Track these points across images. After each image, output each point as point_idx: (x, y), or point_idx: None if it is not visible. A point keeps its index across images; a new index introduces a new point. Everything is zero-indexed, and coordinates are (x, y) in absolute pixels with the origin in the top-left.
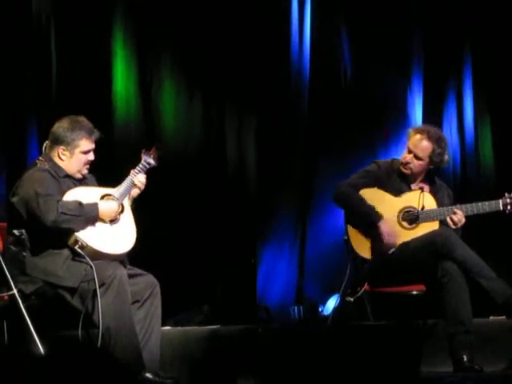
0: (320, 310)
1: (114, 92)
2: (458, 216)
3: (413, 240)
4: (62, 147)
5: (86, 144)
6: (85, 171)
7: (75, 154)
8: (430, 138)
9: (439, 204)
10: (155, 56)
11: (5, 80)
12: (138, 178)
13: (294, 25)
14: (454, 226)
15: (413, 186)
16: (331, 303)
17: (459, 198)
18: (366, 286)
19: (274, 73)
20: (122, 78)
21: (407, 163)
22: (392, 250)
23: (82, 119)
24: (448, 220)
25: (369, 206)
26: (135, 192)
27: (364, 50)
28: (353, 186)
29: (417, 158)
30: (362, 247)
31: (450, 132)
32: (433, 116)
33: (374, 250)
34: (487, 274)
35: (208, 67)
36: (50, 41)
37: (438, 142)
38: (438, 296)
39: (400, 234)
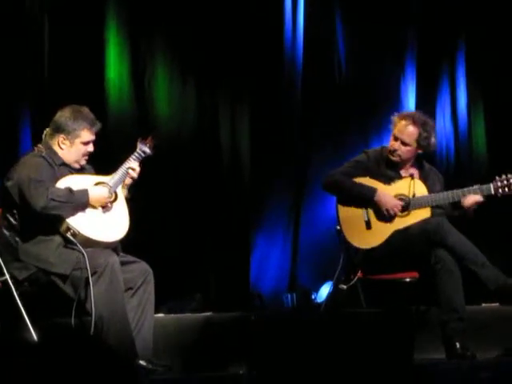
0: (313, 297)
1: (107, 79)
2: (475, 197)
3: (406, 228)
4: (62, 136)
5: (87, 135)
6: (83, 162)
7: (75, 143)
8: (415, 123)
9: (430, 190)
10: (148, 43)
11: None
12: (131, 167)
13: (288, 13)
14: (469, 207)
15: (402, 173)
16: (324, 290)
17: (452, 185)
18: (359, 274)
19: (267, 60)
20: (115, 66)
21: (395, 150)
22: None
23: (85, 110)
24: (464, 203)
25: (362, 186)
26: (128, 180)
27: (357, 38)
28: (345, 173)
29: (404, 144)
30: (355, 237)
31: (444, 119)
32: (426, 104)
33: (371, 234)
34: (480, 261)
35: (201, 54)
36: (43, 28)
37: (424, 126)
38: (431, 283)
39: (392, 222)
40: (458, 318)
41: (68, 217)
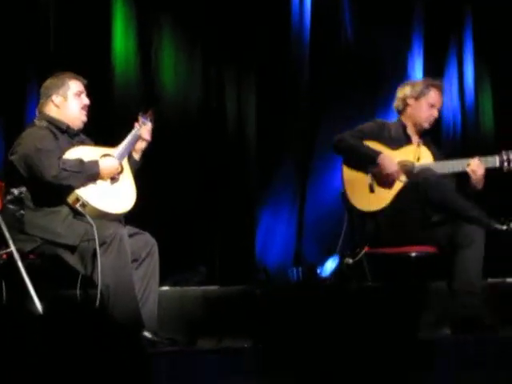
0: (318, 271)
1: (114, 51)
2: (478, 165)
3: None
4: (53, 96)
5: (76, 85)
6: (84, 118)
7: (68, 96)
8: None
9: (436, 158)
10: (155, 15)
11: (2, 41)
12: (142, 129)
13: None
14: (474, 177)
15: (413, 139)
16: (329, 265)
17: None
18: (366, 248)
19: (274, 33)
20: (122, 38)
21: (435, 119)
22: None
23: (67, 72)
24: (469, 171)
25: (367, 147)
26: (142, 144)
27: (364, 12)
28: (354, 135)
29: (438, 110)
30: (358, 199)
31: (451, 94)
32: (433, 78)
33: (370, 199)
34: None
35: (208, 26)
36: (49, 0)
37: None
38: (445, 257)
39: (393, 187)
40: (472, 291)
41: (78, 187)
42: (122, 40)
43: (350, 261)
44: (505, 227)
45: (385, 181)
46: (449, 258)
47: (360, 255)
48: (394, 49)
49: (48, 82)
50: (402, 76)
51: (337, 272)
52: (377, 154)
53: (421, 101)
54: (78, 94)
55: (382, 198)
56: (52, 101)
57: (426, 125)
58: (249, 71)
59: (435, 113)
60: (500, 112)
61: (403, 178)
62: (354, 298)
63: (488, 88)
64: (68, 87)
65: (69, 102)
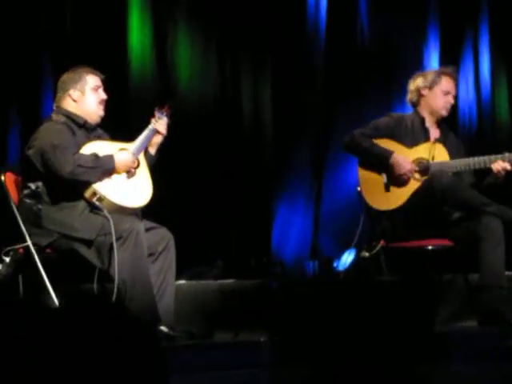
0: (335, 265)
1: (129, 46)
2: (502, 164)
3: (427, 190)
4: (71, 90)
5: (93, 79)
6: (101, 112)
7: (86, 91)
8: (456, 78)
9: (451, 155)
10: (170, 9)
11: (19, 33)
12: (159, 124)
13: None
14: (499, 175)
15: (431, 132)
16: (345, 258)
17: (474, 153)
18: (382, 241)
19: (289, 27)
20: (137, 32)
21: (451, 105)
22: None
23: (83, 66)
24: (494, 169)
25: (379, 148)
26: (158, 138)
27: (380, 4)
28: (365, 134)
29: (453, 96)
30: (374, 198)
31: (467, 88)
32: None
33: (386, 198)
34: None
35: (223, 21)
36: None
37: None
38: (464, 251)
39: (408, 185)
40: (498, 285)
41: (95, 182)
42: (137, 34)
43: (367, 254)
44: None
45: (399, 180)
46: (471, 253)
47: (376, 249)
48: (410, 42)
49: (65, 77)
50: (417, 69)
51: (353, 265)
52: (389, 153)
53: (434, 89)
54: (96, 89)
55: (398, 197)
56: (70, 95)
57: (444, 112)
58: (264, 64)
59: (451, 99)
60: None
61: (418, 177)
62: (370, 292)
63: (504, 81)
64: (86, 82)
65: (86, 96)
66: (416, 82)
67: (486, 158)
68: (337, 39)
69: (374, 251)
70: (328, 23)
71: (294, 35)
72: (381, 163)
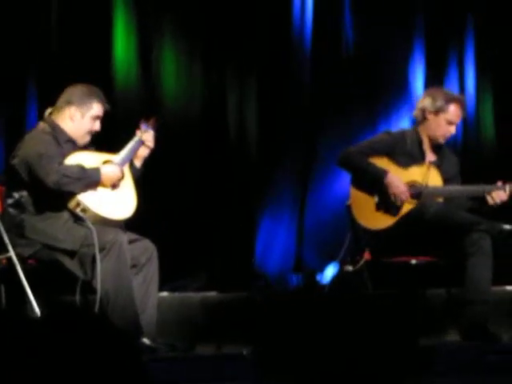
0: (318, 278)
1: (115, 56)
2: (501, 194)
3: (419, 211)
4: (74, 107)
5: (98, 109)
6: (87, 139)
7: (86, 117)
8: (464, 106)
9: (445, 175)
10: (155, 21)
11: (4, 44)
12: (146, 136)
13: None
14: (493, 205)
15: (427, 153)
16: (329, 271)
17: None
18: (366, 255)
19: (275, 37)
20: (122, 42)
21: (451, 134)
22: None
23: (97, 89)
24: (488, 198)
25: (375, 166)
26: (145, 152)
27: (366, 18)
28: (361, 152)
29: (455, 125)
30: (363, 216)
31: None
32: (434, 85)
33: (375, 218)
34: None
35: (209, 31)
36: (50, 6)
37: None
38: (448, 265)
39: (401, 207)
40: (484, 300)
41: (79, 194)
42: (122, 46)
43: (350, 268)
44: None
45: (392, 200)
46: (455, 267)
47: (360, 263)
48: (395, 57)
49: (77, 91)
50: (402, 84)
51: (337, 279)
52: (385, 173)
53: (439, 116)
54: (95, 119)
55: (388, 217)
56: (70, 111)
57: (442, 140)
58: (250, 77)
59: (452, 129)
60: (501, 120)
61: (410, 200)
62: (353, 306)
63: (489, 96)
64: (91, 108)
65: (84, 121)
66: (424, 102)
67: (481, 187)
68: (322, 53)
69: (358, 265)
70: (313, 37)
71: (279, 49)
72: (375, 182)
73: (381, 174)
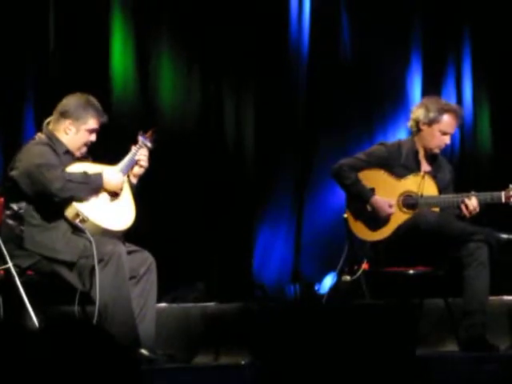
0: (316, 288)
1: (112, 67)
2: (473, 203)
3: (415, 221)
4: (69, 121)
5: (93, 123)
6: (83, 150)
7: (81, 130)
8: (460, 116)
9: (440, 184)
10: (153, 31)
11: (1, 55)
12: (140, 155)
13: (293, 2)
14: (468, 214)
15: (422, 164)
16: (327, 282)
17: (456, 177)
18: (363, 265)
19: (272, 49)
20: (120, 54)
21: (445, 145)
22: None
23: (94, 100)
24: (462, 207)
25: (360, 187)
26: (140, 170)
27: (363, 26)
28: (353, 166)
29: (450, 136)
30: (359, 228)
31: None
32: (431, 94)
33: (371, 230)
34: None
35: (206, 43)
36: (48, 17)
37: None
38: (446, 275)
39: (394, 218)
40: (482, 310)
41: (83, 199)
42: (120, 57)
43: (348, 278)
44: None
45: (381, 219)
46: (452, 278)
47: (358, 273)
48: (393, 66)
49: (73, 103)
50: (400, 93)
51: (334, 289)
52: (369, 195)
53: (433, 127)
54: (90, 132)
55: (383, 230)
56: (64, 125)
57: (436, 150)
58: (247, 88)
59: (447, 140)
60: (498, 129)
61: (406, 210)
62: (351, 315)
63: (486, 107)
64: (85, 123)
65: (78, 135)
66: (417, 113)
67: (457, 197)
68: (319, 64)
69: (356, 275)
70: (311, 48)
71: (276, 60)
72: (363, 200)
73: (366, 197)
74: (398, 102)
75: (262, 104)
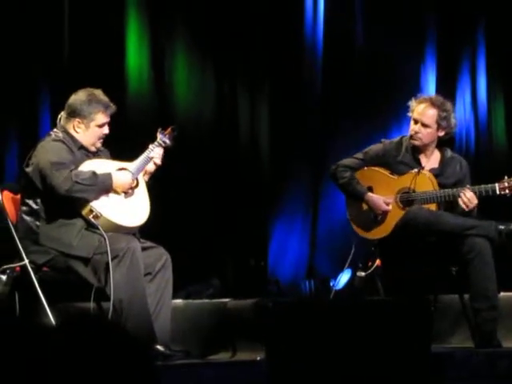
0: (331, 284)
1: (127, 66)
2: (468, 195)
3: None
4: (77, 120)
5: (102, 118)
6: (98, 144)
7: (90, 127)
8: (433, 104)
9: (442, 185)
10: (168, 30)
11: (17, 53)
12: (155, 153)
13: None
14: (465, 208)
15: (422, 160)
16: (342, 278)
17: (471, 173)
18: (377, 262)
19: (287, 47)
20: (135, 52)
21: (416, 133)
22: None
23: (99, 93)
24: (460, 201)
25: (354, 186)
26: (152, 167)
27: (377, 23)
28: (348, 166)
29: (424, 126)
30: (361, 227)
31: (464, 108)
32: (446, 91)
33: (370, 229)
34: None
35: (220, 41)
36: (63, 13)
37: (442, 106)
38: (457, 272)
39: (398, 215)
40: (490, 306)
41: (92, 200)
42: (135, 55)
43: (362, 274)
44: None
45: (377, 216)
46: (462, 274)
47: (372, 269)
48: (407, 63)
49: (78, 102)
50: (414, 88)
51: (349, 285)
52: (363, 194)
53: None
54: (101, 126)
55: (382, 228)
56: (74, 123)
57: (413, 141)
58: (262, 86)
59: (416, 128)
60: None
61: (402, 206)
62: (365, 311)
63: (501, 101)
64: (93, 119)
65: (89, 131)
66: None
67: (454, 190)
68: (334, 60)
69: (370, 271)
70: (325, 46)
71: (291, 57)
72: (358, 199)
73: (360, 195)
74: (412, 98)
75: (276, 100)
